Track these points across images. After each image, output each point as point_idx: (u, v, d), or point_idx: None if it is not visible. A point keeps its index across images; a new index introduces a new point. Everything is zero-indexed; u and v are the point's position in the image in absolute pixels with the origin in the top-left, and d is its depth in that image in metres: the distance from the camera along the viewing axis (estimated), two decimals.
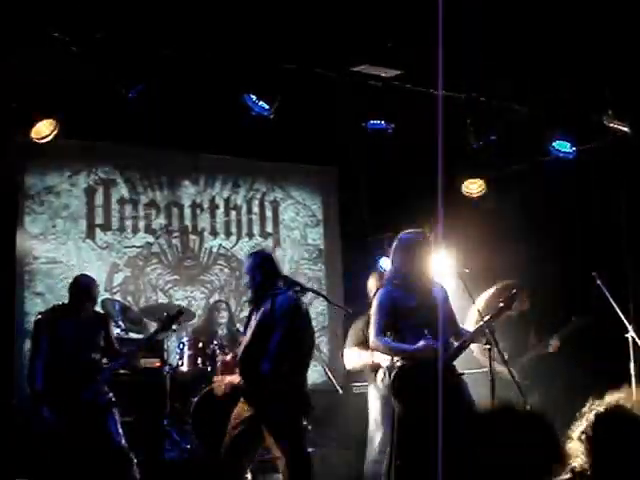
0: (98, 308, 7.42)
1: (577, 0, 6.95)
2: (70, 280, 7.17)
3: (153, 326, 9.19)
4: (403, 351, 5.78)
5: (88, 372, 6.51)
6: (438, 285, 6.06)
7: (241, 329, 10.00)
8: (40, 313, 6.92)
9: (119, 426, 6.56)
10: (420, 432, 5.60)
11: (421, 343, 5.66)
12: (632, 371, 7.72)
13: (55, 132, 7.53)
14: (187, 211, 10.37)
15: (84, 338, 6.66)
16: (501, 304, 6.12)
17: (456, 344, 5.90)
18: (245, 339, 6.08)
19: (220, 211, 10.59)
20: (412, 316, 5.81)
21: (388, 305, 5.87)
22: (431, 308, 5.80)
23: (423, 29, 7.27)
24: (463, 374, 5.98)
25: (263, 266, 6.15)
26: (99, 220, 9.81)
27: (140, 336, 8.38)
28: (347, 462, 8.22)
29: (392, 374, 5.92)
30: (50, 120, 7.45)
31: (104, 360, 6.80)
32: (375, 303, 5.96)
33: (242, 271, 10.31)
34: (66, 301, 6.92)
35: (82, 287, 6.81)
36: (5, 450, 7.29)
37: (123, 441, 6.52)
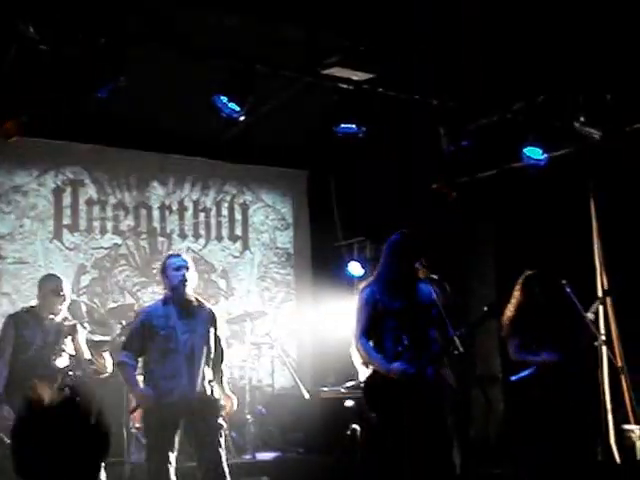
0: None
1: (549, 7, 6.95)
2: (37, 281, 7.08)
3: (119, 328, 9.08)
4: (379, 365, 5.71)
5: (50, 376, 6.44)
6: (426, 286, 5.98)
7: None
8: (9, 316, 6.82)
9: None
10: (392, 440, 5.59)
11: (396, 366, 5.59)
12: (605, 378, 7.75)
13: (22, 131, 7.43)
14: (156, 213, 10.28)
15: (48, 343, 6.61)
16: (485, 309, 6.08)
17: (432, 352, 5.80)
18: None
19: (189, 213, 10.51)
20: (394, 319, 5.75)
21: (371, 305, 5.82)
22: (414, 311, 5.76)
23: (397, 33, 7.31)
24: (443, 379, 5.90)
25: None
26: (67, 221, 9.70)
27: (106, 338, 8.22)
28: (313, 467, 8.17)
29: (364, 381, 5.88)
30: (18, 119, 7.35)
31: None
32: (359, 301, 5.89)
33: (210, 274, 10.40)
34: (33, 302, 6.84)
35: (50, 287, 6.73)
36: None
37: None
